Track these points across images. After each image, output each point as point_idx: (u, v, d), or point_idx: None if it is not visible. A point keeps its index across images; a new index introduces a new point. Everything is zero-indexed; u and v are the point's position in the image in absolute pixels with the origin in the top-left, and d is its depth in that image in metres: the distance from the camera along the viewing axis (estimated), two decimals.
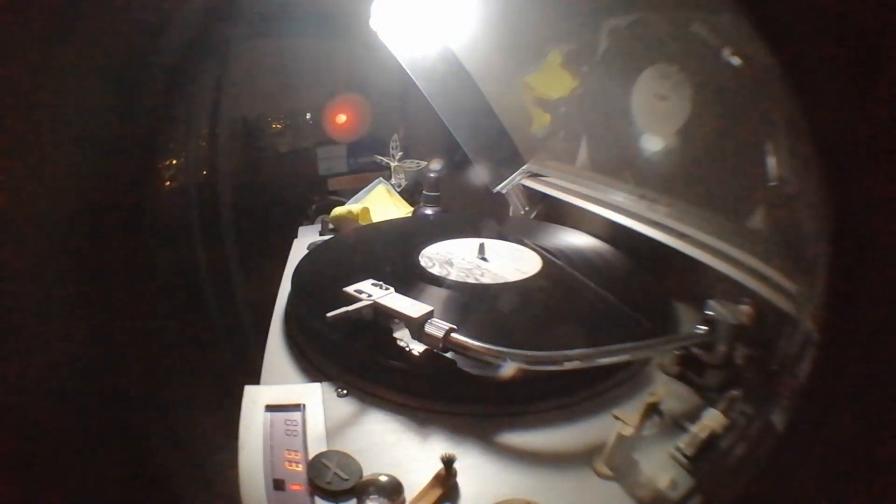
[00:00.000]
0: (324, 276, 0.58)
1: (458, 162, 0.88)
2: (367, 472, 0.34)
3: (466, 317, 0.48)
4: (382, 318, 0.45)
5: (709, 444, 0.35)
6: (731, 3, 0.36)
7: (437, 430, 0.39)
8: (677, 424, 0.39)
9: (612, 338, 0.41)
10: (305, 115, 1.04)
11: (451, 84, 0.75)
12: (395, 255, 0.61)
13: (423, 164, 0.93)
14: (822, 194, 0.27)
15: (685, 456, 0.36)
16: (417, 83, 0.74)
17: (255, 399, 0.40)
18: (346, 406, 0.41)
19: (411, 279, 0.55)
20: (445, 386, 0.42)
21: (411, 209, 0.90)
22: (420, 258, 0.60)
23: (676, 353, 0.45)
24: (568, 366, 0.38)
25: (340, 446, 0.37)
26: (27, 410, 0.24)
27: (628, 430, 0.35)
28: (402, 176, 0.96)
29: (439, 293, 0.52)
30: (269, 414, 0.38)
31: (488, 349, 0.39)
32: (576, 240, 0.68)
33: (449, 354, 0.42)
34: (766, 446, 0.31)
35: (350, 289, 0.46)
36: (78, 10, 0.23)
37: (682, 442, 0.36)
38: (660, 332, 0.47)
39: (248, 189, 0.98)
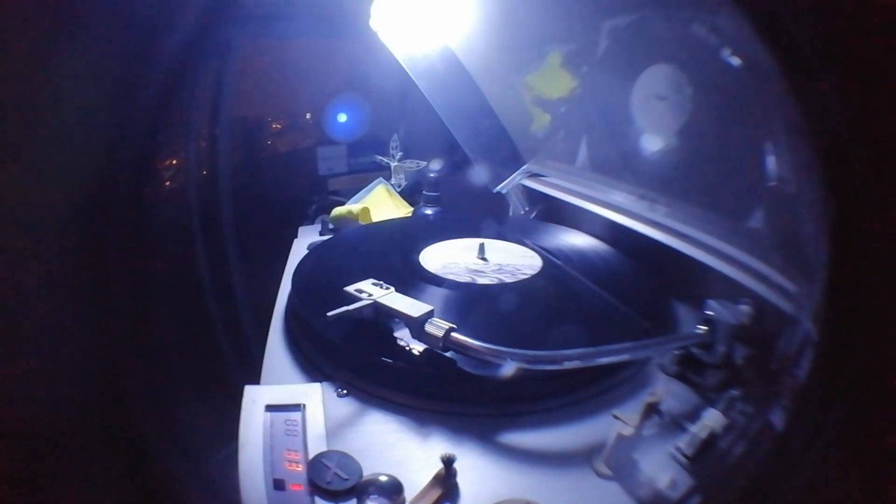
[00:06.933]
0: (324, 276, 0.58)
1: (458, 162, 0.88)
2: (367, 472, 0.34)
3: (466, 316, 0.48)
4: (383, 317, 0.45)
5: (708, 444, 0.35)
6: (730, 3, 0.36)
7: (437, 430, 0.39)
8: (677, 424, 0.39)
9: (611, 338, 0.41)
10: (305, 115, 1.04)
11: (451, 84, 0.75)
12: (395, 255, 0.61)
13: (423, 164, 0.93)
14: (821, 194, 0.27)
15: (685, 456, 0.36)
16: (417, 83, 0.74)
17: (255, 399, 0.40)
18: (346, 406, 0.41)
19: (411, 279, 0.55)
20: (445, 386, 0.42)
21: (411, 209, 0.90)
22: (420, 258, 0.60)
23: (676, 353, 0.45)
24: (567, 365, 0.38)
25: (340, 446, 0.37)
26: (26, 411, 0.24)
27: (628, 430, 0.35)
28: (402, 176, 0.95)
29: (439, 293, 0.52)
30: (269, 414, 0.38)
31: (488, 349, 0.39)
32: (576, 240, 0.68)
33: (449, 354, 0.42)
34: (766, 446, 0.31)
35: (350, 288, 0.46)
36: (77, 10, 0.23)
37: (682, 442, 0.36)
38: (660, 332, 0.47)
39: (248, 189, 0.98)
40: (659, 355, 0.46)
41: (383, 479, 0.34)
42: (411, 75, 0.73)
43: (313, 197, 0.99)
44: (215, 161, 0.93)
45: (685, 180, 0.57)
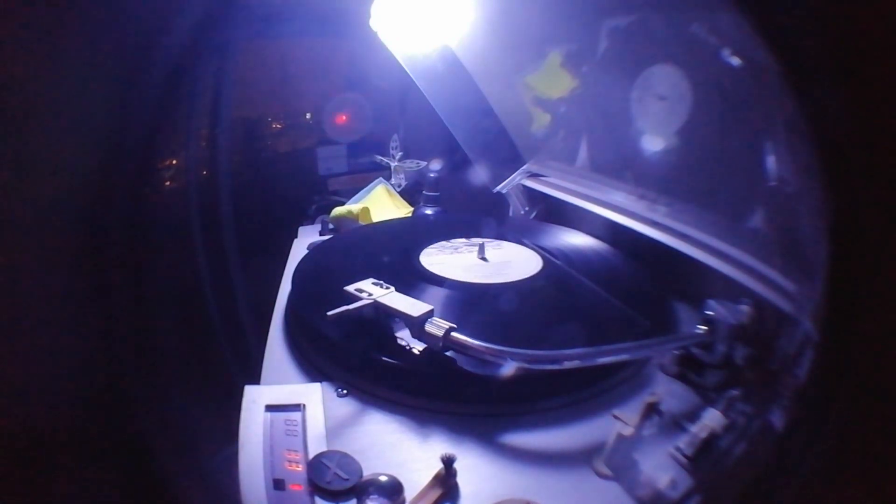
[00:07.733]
0: (324, 276, 0.58)
1: (458, 162, 0.87)
2: (367, 472, 0.34)
3: (466, 316, 0.48)
4: (383, 317, 0.45)
5: (709, 444, 0.35)
6: (730, 3, 0.36)
7: (437, 430, 0.39)
8: (677, 424, 0.39)
9: (611, 338, 0.41)
10: (305, 115, 1.04)
11: (451, 84, 0.75)
12: (395, 255, 0.61)
13: (423, 164, 0.93)
14: (822, 194, 0.27)
15: (685, 456, 0.36)
16: (417, 83, 0.74)
17: (255, 399, 0.40)
18: (346, 406, 0.41)
19: (411, 279, 0.55)
20: (445, 386, 0.42)
21: (411, 209, 0.90)
22: (420, 258, 0.60)
23: (676, 353, 0.45)
24: (567, 365, 0.38)
25: (340, 446, 0.37)
26: (27, 411, 0.24)
27: (628, 430, 0.35)
28: (402, 176, 0.95)
29: (439, 293, 0.52)
30: (269, 414, 0.38)
31: (488, 348, 0.39)
32: (576, 240, 0.68)
33: (449, 354, 0.42)
34: (766, 446, 0.31)
35: (351, 288, 0.46)
36: (78, 10, 0.23)
37: (682, 442, 0.36)
38: (660, 332, 0.47)
39: (248, 189, 0.98)
40: (659, 355, 0.46)
41: (383, 479, 0.34)
42: (411, 75, 0.73)
43: (313, 197, 0.99)
44: (215, 161, 0.93)
45: (685, 180, 0.57)
